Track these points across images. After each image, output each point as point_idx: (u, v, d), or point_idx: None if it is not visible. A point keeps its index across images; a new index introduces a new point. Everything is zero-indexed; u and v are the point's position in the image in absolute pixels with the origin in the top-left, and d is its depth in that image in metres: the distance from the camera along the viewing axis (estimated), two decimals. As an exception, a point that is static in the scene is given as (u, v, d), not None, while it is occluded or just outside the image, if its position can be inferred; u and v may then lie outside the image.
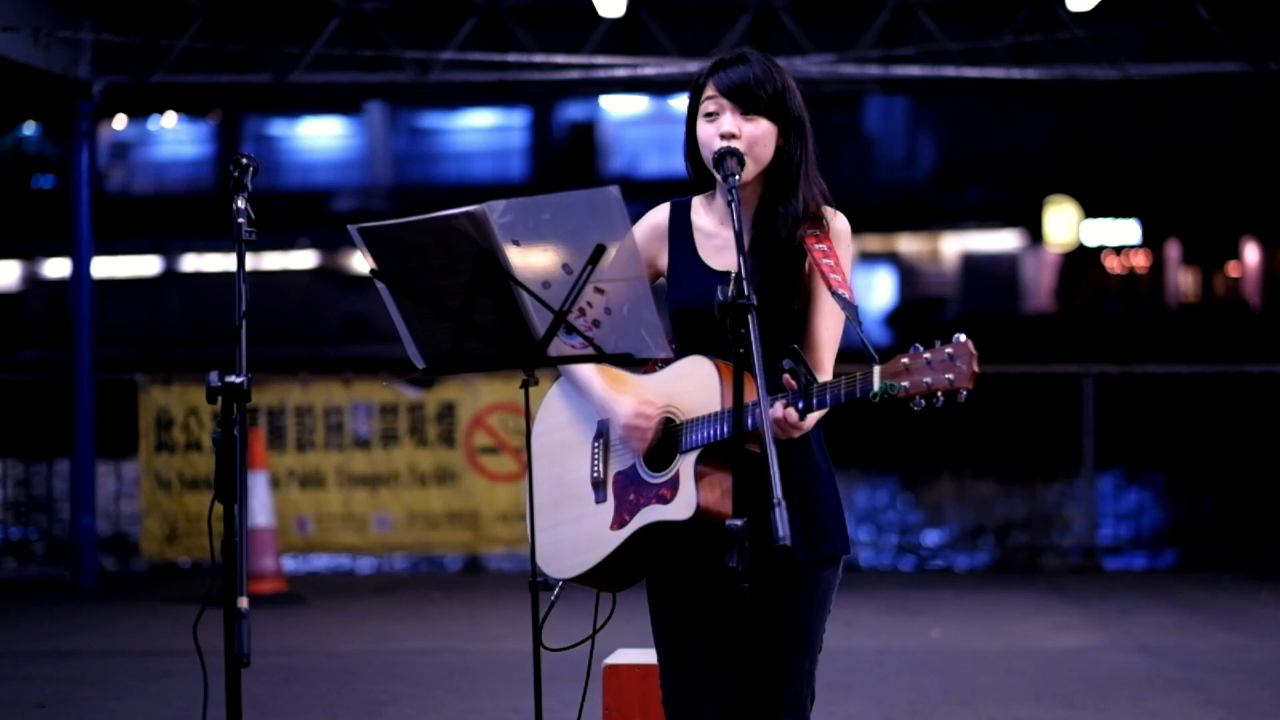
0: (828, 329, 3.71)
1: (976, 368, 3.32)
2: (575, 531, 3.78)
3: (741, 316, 3.33)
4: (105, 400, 11.80)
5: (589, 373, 3.79)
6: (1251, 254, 37.76)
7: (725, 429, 3.48)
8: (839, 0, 11.90)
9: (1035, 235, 38.32)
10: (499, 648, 8.91)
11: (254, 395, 5.41)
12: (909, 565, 13.39)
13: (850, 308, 3.49)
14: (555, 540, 3.84)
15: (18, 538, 13.28)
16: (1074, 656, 8.57)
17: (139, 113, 31.98)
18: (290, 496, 11.63)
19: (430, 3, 11.79)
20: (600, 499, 3.74)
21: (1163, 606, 10.24)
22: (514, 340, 3.66)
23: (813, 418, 3.52)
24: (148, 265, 38.96)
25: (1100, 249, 38.29)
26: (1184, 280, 38.72)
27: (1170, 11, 11.33)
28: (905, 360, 3.35)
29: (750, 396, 3.39)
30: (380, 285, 3.68)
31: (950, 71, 11.61)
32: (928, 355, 3.34)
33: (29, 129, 38.59)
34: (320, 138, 40.24)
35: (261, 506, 10.61)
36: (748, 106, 3.66)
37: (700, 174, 3.77)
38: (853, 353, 3.63)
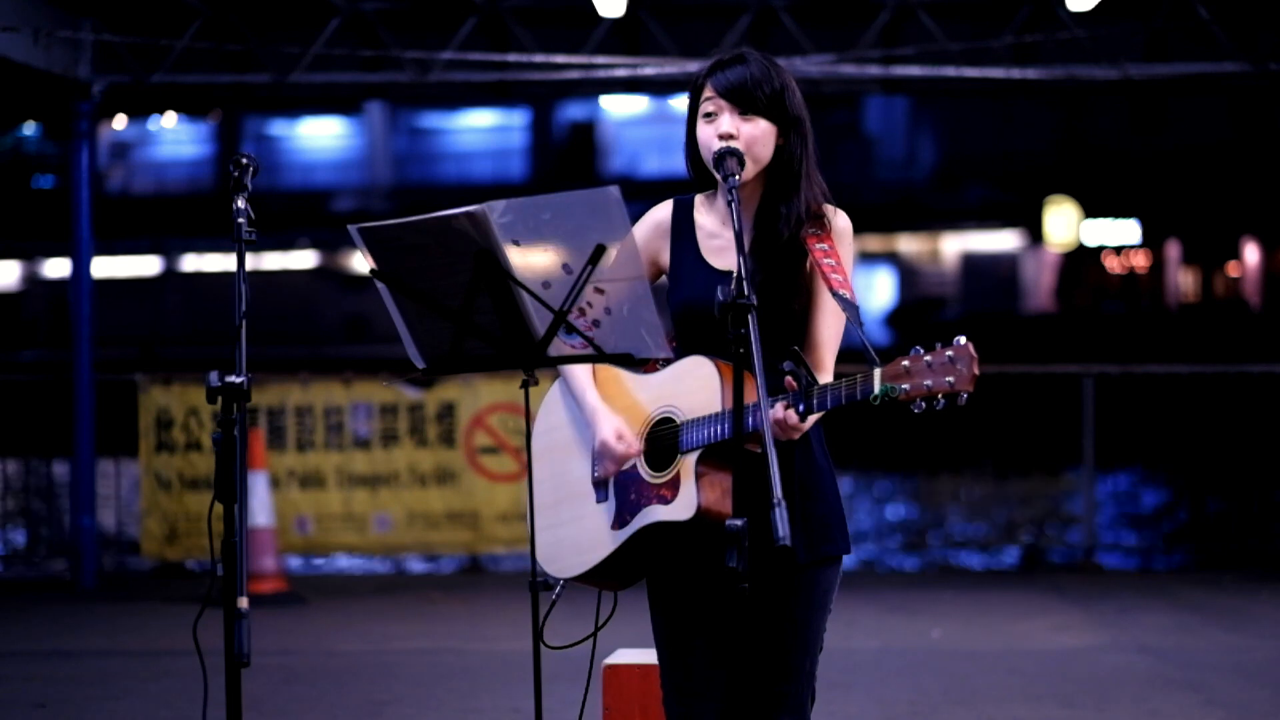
0: (829, 329, 3.71)
1: (977, 370, 3.31)
2: (576, 531, 3.78)
3: (741, 316, 3.33)
4: (105, 400, 11.80)
5: (584, 381, 3.79)
6: (1251, 254, 37.76)
7: (726, 429, 3.48)
8: (839, 0, 11.90)
9: (1035, 235, 38.33)
10: (499, 648, 8.91)
11: (254, 395, 5.41)
12: (908, 565, 13.39)
13: (851, 308, 3.49)
14: (556, 539, 3.84)
15: (18, 538, 13.27)
16: (1074, 656, 8.57)
17: (139, 113, 32.00)
18: (290, 496, 11.62)
19: (430, 3, 11.79)
20: (601, 498, 3.74)
21: (1163, 606, 10.24)
22: (514, 340, 3.65)
23: (812, 419, 3.52)
24: (148, 265, 38.97)
25: (1100, 249, 38.30)
26: (1184, 280, 38.72)
27: (1170, 11, 11.33)
28: (906, 363, 3.35)
29: (750, 397, 3.39)
30: (380, 285, 3.68)
31: (950, 71, 11.61)
32: (928, 358, 3.34)
33: (29, 129, 38.60)
34: (320, 138, 40.24)
35: (261, 506, 10.61)
36: (746, 107, 3.66)
37: (701, 174, 3.77)
38: (853, 353, 3.63)
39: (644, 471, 3.67)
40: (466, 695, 7.66)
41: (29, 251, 38.42)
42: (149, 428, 11.68)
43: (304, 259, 38.62)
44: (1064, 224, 38.06)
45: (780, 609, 3.69)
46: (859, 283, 3.66)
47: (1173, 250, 38.24)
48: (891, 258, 38.37)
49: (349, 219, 4.02)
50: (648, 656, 4.78)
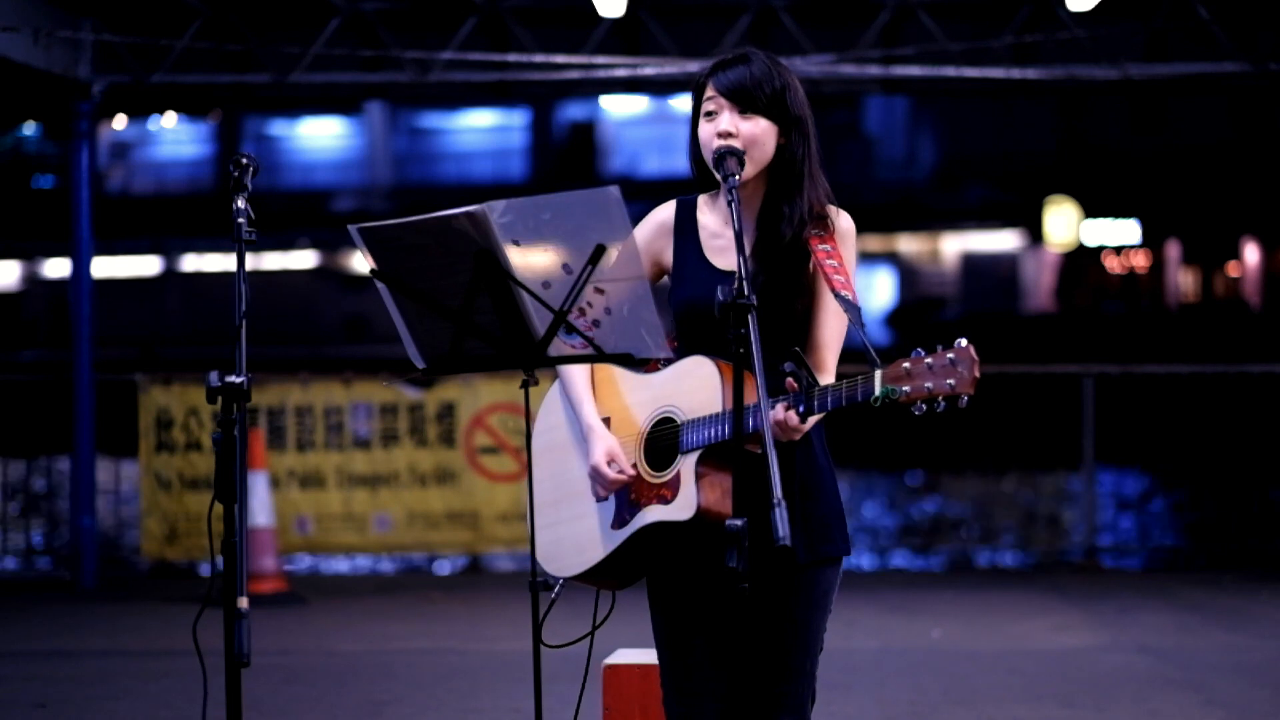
0: (831, 329, 3.71)
1: (978, 373, 3.31)
2: (576, 530, 3.78)
3: (741, 316, 3.33)
4: (105, 400, 11.80)
5: (581, 392, 3.79)
6: (1251, 254, 37.76)
7: (726, 429, 3.48)
8: (839, 0, 11.90)
9: (1035, 235, 38.33)
10: (499, 648, 8.91)
11: (254, 395, 5.41)
12: (909, 565, 13.39)
13: (853, 309, 3.49)
14: (556, 538, 3.84)
15: (17, 537, 13.27)
16: (1074, 656, 8.56)
17: (139, 113, 32.00)
18: (290, 496, 11.62)
19: (430, 3, 11.79)
20: (600, 498, 3.74)
21: (1163, 606, 10.24)
22: (514, 340, 3.65)
23: (813, 419, 3.52)
24: (148, 265, 38.98)
25: (1100, 249, 38.30)
26: (1184, 280, 38.73)
27: (1170, 11, 11.33)
28: (906, 365, 3.35)
29: (751, 398, 3.38)
30: (380, 285, 3.68)
31: (950, 71, 11.61)
32: (929, 360, 3.34)
33: (29, 129, 38.60)
34: (320, 138, 40.25)
35: (261, 506, 10.61)
36: (746, 106, 3.66)
37: (703, 174, 3.77)
38: (854, 354, 3.63)
39: (644, 471, 3.67)
40: (466, 695, 7.66)
41: (29, 251, 38.43)
42: (149, 428, 11.68)
43: (304, 259, 38.62)
44: (1064, 224, 38.07)
45: (780, 609, 3.69)
46: (859, 283, 3.66)
47: (1173, 250, 38.24)
48: (891, 258, 38.38)
49: (349, 219, 4.02)
50: (647, 656, 4.78)
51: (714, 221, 3.79)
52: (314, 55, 11.47)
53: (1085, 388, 11.99)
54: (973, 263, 38.80)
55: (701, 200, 3.84)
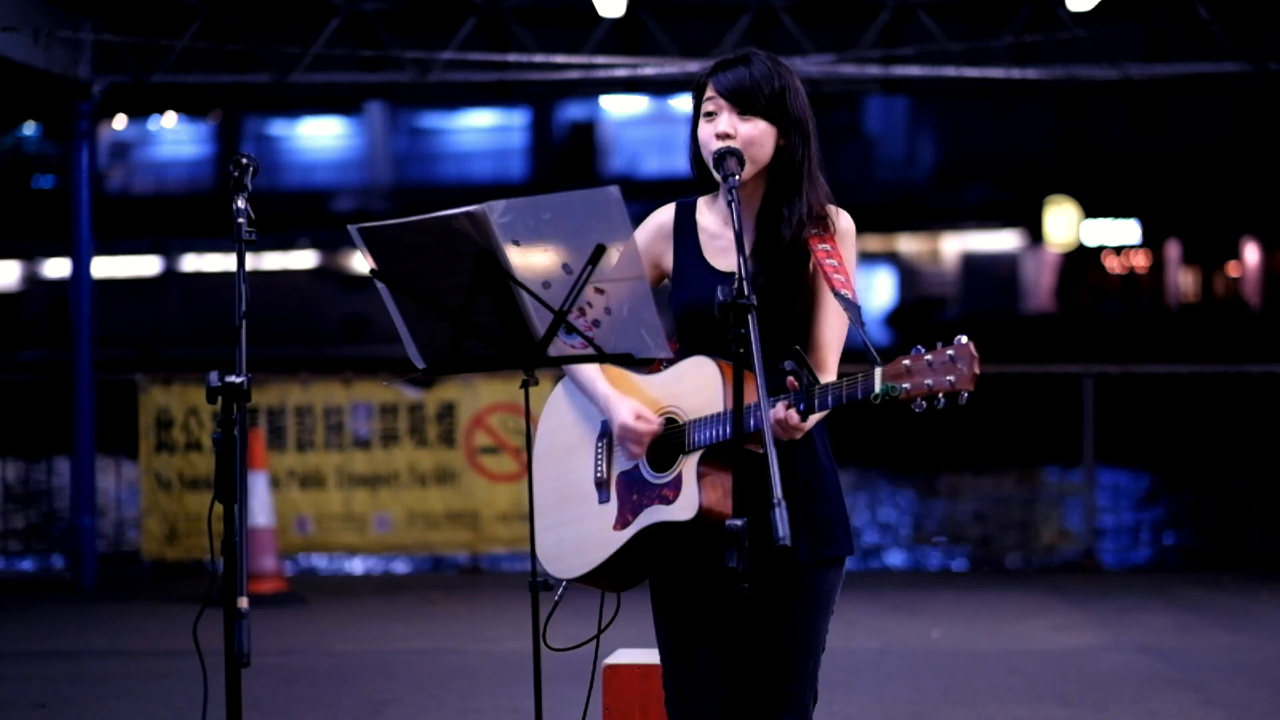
0: (832, 329, 3.71)
1: (978, 369, 3.31)
2: (578, 531, 3.78)
3: (741, 317, 3.33)
4: (105, 400, 11.80)
5: (593, 372, 3.79)
6: (1251, 254, 37.77)
7: (728, 429, 3.48)
8: (839, 0, 11.90)
9: (1035, 235, 38.34)
10: (499, 648, 8.91)
11: (254, 395, 5.41)
12: (909, 565, 13.39)
13: (853, 309, 3.49)
14: (558, 540, 3.84)
15: (18, 538, 13.27)
16: (1074, 656, 8.56)
17: (139, 113, 31.99)
18: (290, 496, 11.62)
19: (430, 3, 11.79)
20: (604, 499, 3.74)
21: (1163, 606, 10.24)
22: (514, 340, 3.65)
23: (814, 418, 3.52)
24: (148, 265, 38.98)
25: (1100, 249, 38.30)
26: (1184, 280, 38.73)
27: (1170, 11, 11.33)
28: (906, 362, 3.35)
29: (751, 397, 3.38)
30: (380, 285, 3.68)
31: (950, 71, 11.61)
32: (929, 357, 3.34)
33: (29, 129, 38.60)
34: (320, 138, 40.25)
35: (261, 506, 10.61)
36: (745, 107, 3.66)
37: (703, 175, 3.76)
38: (855, 353, 3.63)
39: (646, 472, 3.67)
40: (466, 695, 7.66)
41: (29, 251, 38.43)
42: (149, 428, 11.68)
43: (304, 259, 38.63)
44: (1064, 224, 38.07)
45: (782, 609, 3.69)
46: (859, 283, 3.66)
47: (1173, 250, 38.24)
48: (891, 258, 38.39)
49: (349, 219, 4.02)
50: (648, 656, 4.78)
51: (713, 223, 3.79)
52: (314, 55, 11.47)
53: (1085, 388, 11.99)
54: (973, 263, 38.80)
55: (701, 202, 3.84)
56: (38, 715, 7.32)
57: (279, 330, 32.63)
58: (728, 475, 3.53)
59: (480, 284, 3.58)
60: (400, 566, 12.85)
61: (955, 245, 39.06)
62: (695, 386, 3.62)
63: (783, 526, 3.19)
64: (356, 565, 12.86)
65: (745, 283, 3.36)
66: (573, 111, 38.91)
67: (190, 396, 11.61)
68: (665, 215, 3.85)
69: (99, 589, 11.31)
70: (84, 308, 11.54)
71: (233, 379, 3.54)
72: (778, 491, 3.21)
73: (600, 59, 11.57)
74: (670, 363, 3.70)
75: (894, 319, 36.53)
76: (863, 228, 3.80)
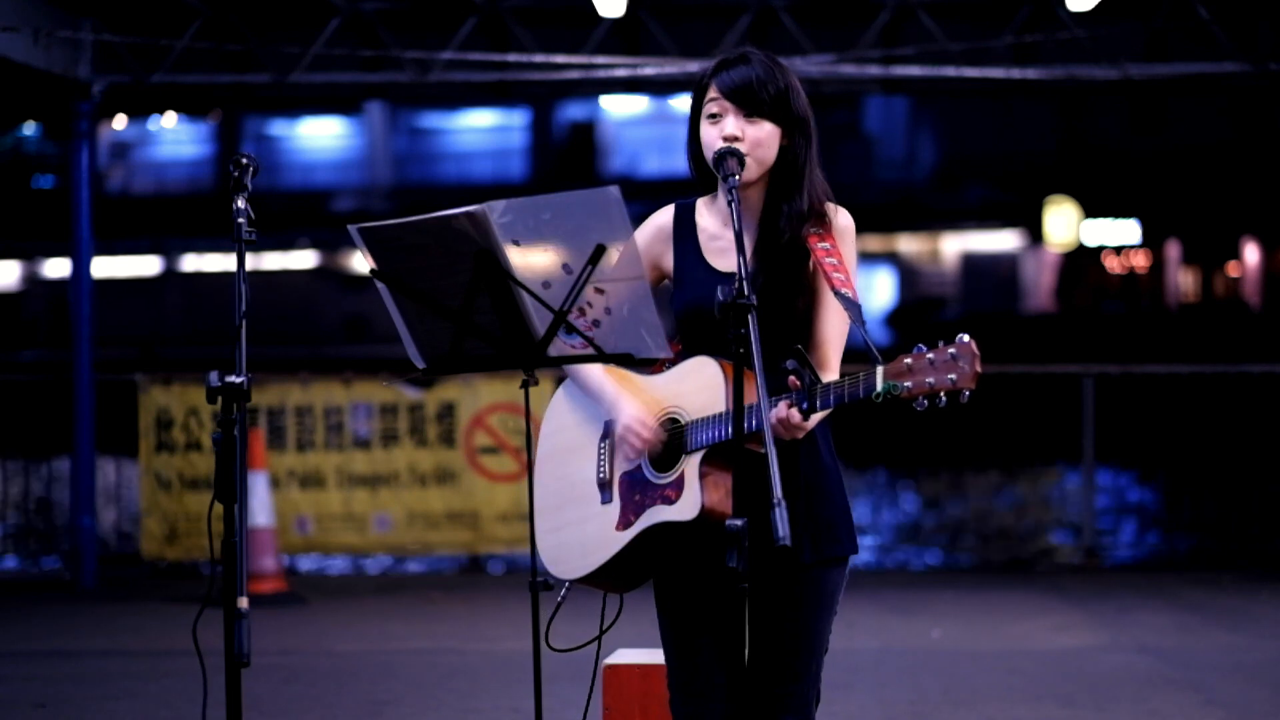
0: (833, 328, 3.71)
1: (979, 368, 3.31)
2: (581, 532, 3.78)
3: (741, 317, 3.33)
4: (105, 400, 11.80)
5: (598, 373, 3.79)
6: (1251, 254, 37.77)
7: (730, 430, 3.48)
8: (839, 0, 11.90)
9: (1035, 235, 38.34)
10: (499, 648, 8.91)
11: (254, 395, 5.41)
12: (908, 565, 13.39)
13: (853, 307, 3.49)
14: (561, 541, 3.84)
15: (18, 538, 13.27)
16: (1074, 656, 8.56)
17: (139, 113, 32.00)
18: (290, 496, 11.62)
19: (430, 3, 11.79)
20: (606, 500, 3.74)
21: (1163, 606, 10.24)
22: (514, 340, 3.65)
23: (816, 418, 3.52)
24: (148, 265, 38.99)
25: (1100, 249, 38.31)
26: (1184, 280, 38.74)
27: (1170, 11, 11.33)
28: (908, 360, 3.35)
29: (753, 397, 3.38)
30: (380, 285, 3.67)
31: (950, 71, 11.61)
32: (931, 355, 3.34)
33: (29, 129, 38.60)
34: (320, 138, 40.26)
35: (261, 506, 10.60)
36: (750, 108, 3.66)
37: (704, 175, 3.76)
38: (856, 352, 3.63)
39: (649, 472, 3.67)
40: (466, 695, 7.66)
41: (29, 251, 38.43)
42: (149, 428, 11.68)
43: (304, 259, 38.63)
44: (1064, 224, 38.08)
45: (785, 610, 3.69)
46: (859, 282, 3.65)
47: (1173, 250, 38.25)
48: (891, 258, 38.39)
49: (349, 219, 4.02)
50: (648, 656, 4.78)
51: (713, 223, 3.79)
52: (314, 55, 11.47)
53: (1085, 388, 11.99)
54: (973, 263, 38.81)
55: (700, 203, 3.83)
56: (38, 715, 7.32)
57: (279, 330, 32.63)
58: (730, 475, 3.53)
59: (480, 284, 3.58)
60: (400, 566, 12.84)
61: (955, 245, 39.06)
62: (697, 387, 3.62)
63: (783, 527, 3.19)
64: (357, 565, 12.86)
65: (745, 283, 3.36)
66: (573, 111, 38.91)
67: (190, 396, 11.61)
68: (664, 217, 3.85)
69: (99, 589, 11.31)
70: (84, 308, 11.54)
71: (233, 379, 3.54)
72: (778, 492, 3.21)
73: (600, 59, 11.57)
74: (672, 363, 3.71)
75: (894, 319, 36.53)
76: (863, 228, 3.79)
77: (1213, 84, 12.74)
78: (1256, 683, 7.86)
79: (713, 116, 3.69)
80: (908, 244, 38.76)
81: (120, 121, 34.50)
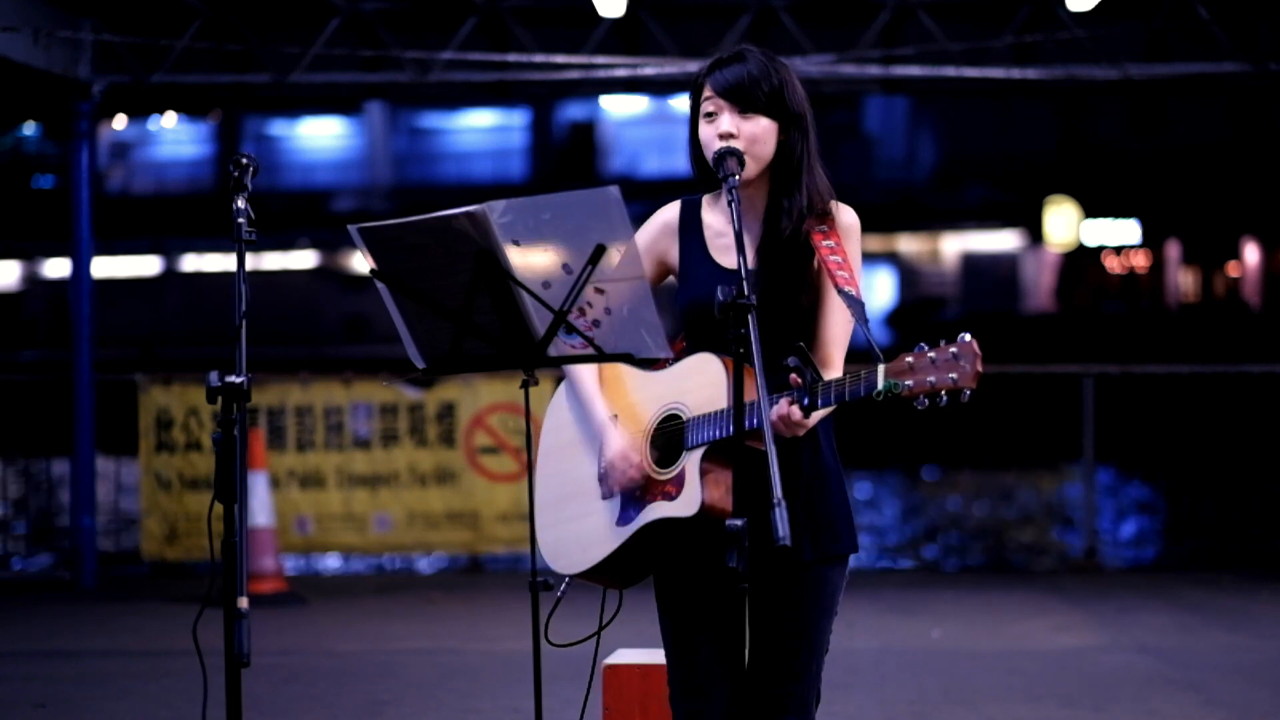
0: (837, 326, 3.71)
1: (980, 367, 3.31)
2: (581, 528, 3.79)
3: (741, 316, 3.33)
4: (105, 400, 11.80)
5: (590, 390, 3.79)
6: (1251, 254, 37.77)
7: (731, 427, 3.48)
8: (839, 0, 11.90)
9: (1035, 235, 38.34)
10: (499, 648, 8.91)
11: (254, 395, 5.41)
12: (909, 565, 13.39)
13: (856, 305, 3.49)
14: (561, 536, 3.84)
15: (17, 538, 13.27)
16: (1074, 656, 8.56)
17: (139, 113, 32.00)
18: (290, 496, 11.62)
19: (430, 3, 11.79)
20: (606, 495, 3.74)
21: (1163, 606, 10.24)
22: (514, 340, 3.65)
23: (817, 415, 3.52)
24: (148, 265, 38.99)
25: (1100, 249, 38.31)
26: (1184, 280, 38.74)
27: (1170, 11, 11.33)
28: (910, 359, 3.35)
29: (753, 395, 3.38)
30: (380, 285, 3.67)
31: (950, 71, 11.61)
32: (932, 354, 3.34)
33: (29, 129, 38.60)
34: (320, 138, 40.26)
35: (261, 506, 10.60)
36: (746, 105, 3.66)
37: (705, 174, 3.76)
38: (858, 351, 3.63)
39: (650, 468, 3.68)
40: (466, 695, 7.66)
41: (29, 251, 38.43)
42: (149, 428, 11.68)
43: (304, 259, 38.63)
44: (1064, 224, 38.08)
45: (785, 610, 3.69)
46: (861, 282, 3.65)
47: (1173, 250, 38.25)
48: (891, 258, 38.39)
49: (349, 219, 4.02)
50: (648, 656, 4.78)
51: (718, 221, 3.79)
52: (314, 55, 11.47)
53: (1085, 388, 11.99)
54: (973, 263, 38.81)
55: (706, 199, 3.84)
56: (38, 715, 7.32)
57: (279, 330, 32.64)
58: (731, 472, 3.53)
59: (480, 284, 3.58)
60: (400, 566, 12.84)
61: (955, 245, 39.07)
62: (700, 384, 3.62)
63: (783, 526, 3.19)
64: (357, 565, 12.85)
65: (745, 282, 3.36)
66: (573, 111, 38.92)
67: (190, 396, 11.61)
68: (671, 212, 3.85)
69: (99, 589, 11.31)
70: (84, 308, 11.54)
71: (233, 379, 3.54)
72: (778, 491, 3.21)
73: (600, 59, 11.57)
74: (676, 359, 3.71)
75: (894, 319, 36.53)
76: (863, 227, 3.79)
77: (1213, 84, 12.74)
78: (1256, 683, 7.86)
79: (709, 115, 3.69)
80: (908, 244, 38.76)
81: (120, 121, 34.51)
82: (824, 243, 3.64)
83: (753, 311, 3.33)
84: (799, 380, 3.45)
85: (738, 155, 3.61)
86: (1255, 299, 37.39)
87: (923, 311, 36.82)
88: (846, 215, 3.74)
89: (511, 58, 11.65)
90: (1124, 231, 38.17)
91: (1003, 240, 38.72)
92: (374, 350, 26.82)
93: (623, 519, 3.70)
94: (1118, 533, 15.14)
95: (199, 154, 40.02)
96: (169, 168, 39.89)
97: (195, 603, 7.98)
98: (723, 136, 3.64)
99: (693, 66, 10.79)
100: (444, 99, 34.93)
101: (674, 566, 3.76)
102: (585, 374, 3.82)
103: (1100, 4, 11.09)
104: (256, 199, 3.75)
